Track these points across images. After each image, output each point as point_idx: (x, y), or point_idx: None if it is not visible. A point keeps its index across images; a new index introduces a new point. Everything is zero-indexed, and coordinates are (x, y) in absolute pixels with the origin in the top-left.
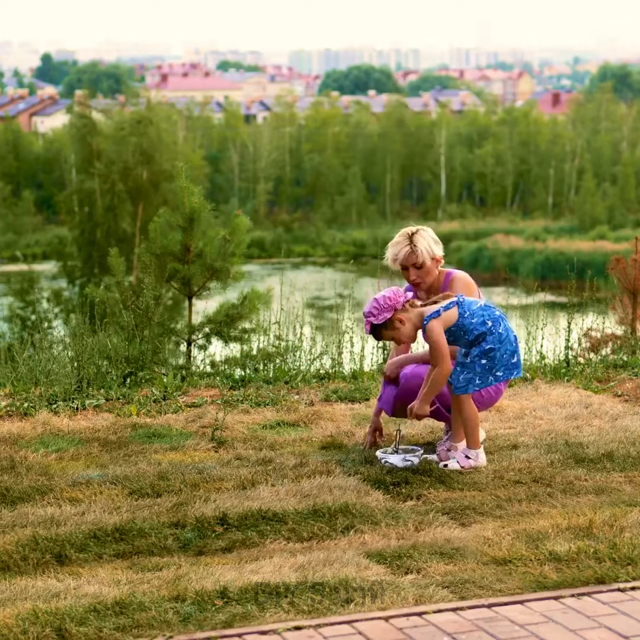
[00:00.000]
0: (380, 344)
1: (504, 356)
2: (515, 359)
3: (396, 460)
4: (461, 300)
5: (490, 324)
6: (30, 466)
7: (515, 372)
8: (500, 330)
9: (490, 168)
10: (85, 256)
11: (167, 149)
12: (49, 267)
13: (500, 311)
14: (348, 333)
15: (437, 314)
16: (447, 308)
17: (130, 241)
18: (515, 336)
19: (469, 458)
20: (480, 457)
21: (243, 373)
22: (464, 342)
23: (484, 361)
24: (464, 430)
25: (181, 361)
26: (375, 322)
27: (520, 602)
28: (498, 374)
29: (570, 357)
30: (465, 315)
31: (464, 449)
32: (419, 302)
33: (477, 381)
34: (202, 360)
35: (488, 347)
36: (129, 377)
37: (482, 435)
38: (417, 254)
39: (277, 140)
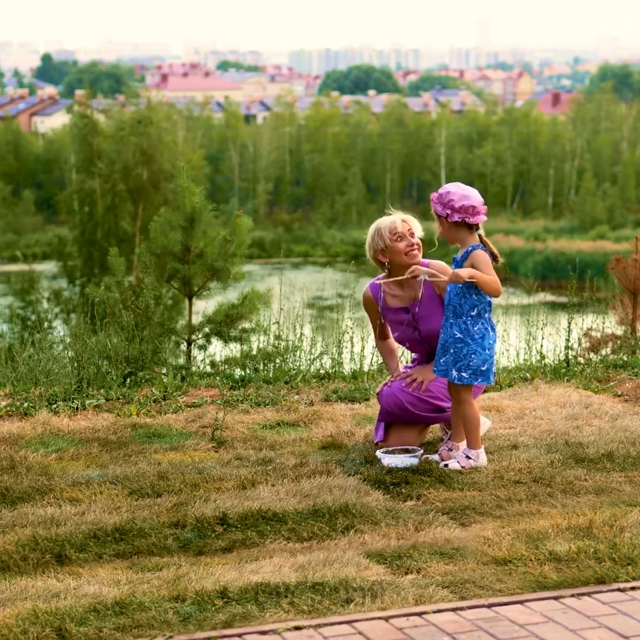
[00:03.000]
0: None
1: (472, 356)
2: (485, 367)
3: (396, 460)
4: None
5: (474, 312)
6: (30, 466)
7: (480, 379)
8: (475, 329)
9: (490, 168)
10: (86, 256)
11: (167, 149)
12: (49, 267)
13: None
14: (348, 333)
15: (484, 248)
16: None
17: (130, 241)
18: (492, 345)
19: (470, 458)
20: (481, 458)
21: (243, 373)
22: (464, 297)
23: (452, 350)
24: (465, 431)
25: (181, 361)
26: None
27: (520, 602)
28: (463, 374)
29: (570, 357)
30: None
31: (465, 449)
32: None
33: (450, 366)
34: (202, 360)
35: (459, 336)
36: (129, 377)
37: (487, 425)
38: (415, 223)
39: (277, 140)
